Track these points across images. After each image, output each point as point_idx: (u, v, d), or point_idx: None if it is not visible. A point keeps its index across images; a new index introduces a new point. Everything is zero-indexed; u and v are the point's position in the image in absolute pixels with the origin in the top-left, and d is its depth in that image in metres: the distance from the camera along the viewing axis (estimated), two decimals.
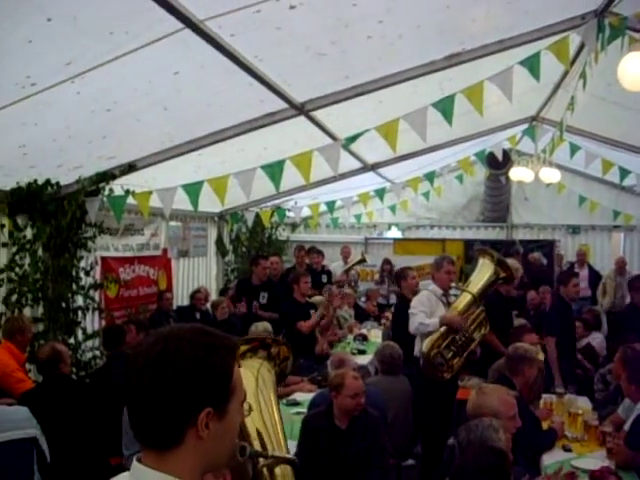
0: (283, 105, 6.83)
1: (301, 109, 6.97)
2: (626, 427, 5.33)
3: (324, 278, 12.46)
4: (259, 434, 2.52)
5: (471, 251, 13.60)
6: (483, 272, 7.56)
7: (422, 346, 7.14)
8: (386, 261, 14.01)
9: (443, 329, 7.09)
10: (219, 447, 1.73)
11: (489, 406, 4.33)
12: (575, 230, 15.53)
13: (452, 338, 7.15)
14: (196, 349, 1.65)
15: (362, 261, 14.08)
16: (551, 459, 5.27)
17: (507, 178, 13.68)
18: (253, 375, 2.66)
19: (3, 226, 7.20)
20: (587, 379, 7.73)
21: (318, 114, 7.38)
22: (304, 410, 6.47)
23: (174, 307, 10.50)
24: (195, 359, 1.64)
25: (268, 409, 2.60)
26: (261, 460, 2.40)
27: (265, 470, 2.42)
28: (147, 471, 1.64)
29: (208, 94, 6.19)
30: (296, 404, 7.04)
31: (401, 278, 9.17)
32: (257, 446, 2.50)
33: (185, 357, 1.63)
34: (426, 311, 7.24)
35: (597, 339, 8.66)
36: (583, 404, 6.68)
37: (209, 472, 1.79)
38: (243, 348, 2.71)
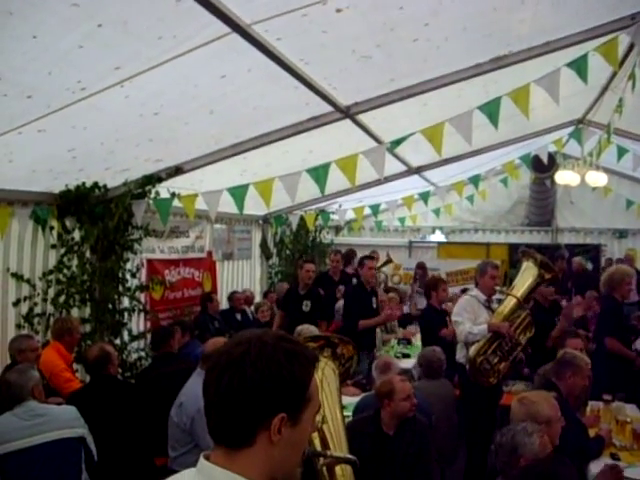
0: (328, 108, 6.85)
1: (346, 112, 6.97)
2: None
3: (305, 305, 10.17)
4: (321, 432, 2.52)
5: (516, 255, 13.44)
6: (527, 275, 7.47)
7: (469, 352, 7.08)
8: (419, 265, 13.91)
9: (489, 335, 7.03)
10: (288, 454, 1.73)
11: (542, 414, 4.29)
12: (622, 234, 15.30)
13: (498, 343, 7.09)
14: (278, 354, 1.68)
15: (388, 262, 13.95)
16: (598, 468, 5.18)
17: (552, 181, 13.50)
18: (317, 375, 2.64)
19: (52, 228, 7.34)
20: (636, 386, 7.58)
21: (363, 117, 7.38)
22: (349, 414, 6.47)
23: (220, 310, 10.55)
24: (276, 363, 1.66)
25: (331, 409, 2.60)
26: (321, 459, 2.40)
27: (325, 469, 2.45)
28: (215, 469, 1.67)
29: (254, 97, 6.22)
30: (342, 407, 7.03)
31: (432, 288, 8.99)
32: (318, 444, 2.50)
33: (266, 360, 1.66)
34: (471, 317, 7.19)
35: None
36: (632, 412, 6.57)
37: (277, 476, 1.77)
38: (311, 345, 2.72)
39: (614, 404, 6.57)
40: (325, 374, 2.68)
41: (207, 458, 1.70)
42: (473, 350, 7.06)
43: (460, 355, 7.36)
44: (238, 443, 1.66)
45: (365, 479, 5.13)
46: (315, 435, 2.52)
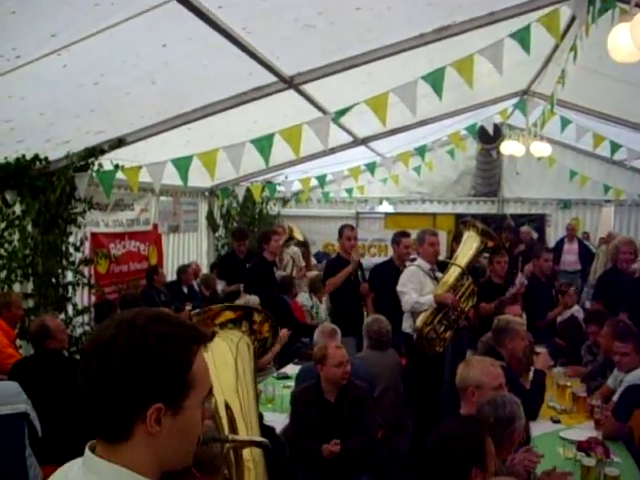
0: (272, 78, 6.80)
1: (290, 82, 6.94)
2: (615, 398, 5.38)
3: None
4: (229, 412, 2.38)
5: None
6: (469, 244, 7.58)
7: (416, 322, 7.15)
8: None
9: (435, 305, 7.11)
10: (176, 444, 1.59)
11: (472, 377, 4.37)
12: (566, 204, 15.56)
13: (444, 313, 7.17)
14: (147, 338, 1.52)
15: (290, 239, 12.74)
16: (540, 430, 5.30)
17: (498, 152, 13.66)
18: (230, 349, 2.53)
19: None
20: (573, 351, 7.78)
21: (307, 87, 7.35)
22: (291, 384, 6.52)
23: (166, 282, 10.48)
24: (145, 349, 1.51)
25: (243, 387, 2.46)
26: (226, 444, 2.29)
27: (231, 453, 2.31)
28: (100, 462, 1.54)
29: (196, 67, 6.14)
30: (286, 377, 7.07)
31: (394, 243, 8.75)
32: (225, 426, 2.37)
33: (134, 346, 1.50)
34: (416, 288, 7.27)
35: (579, 311, 8.75)
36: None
37: (170, 468, 1.63)
38: (227, 316, 2.61)
39: (555, 369, 6.74)
40: (239, 349, 2.54)
41: (92, 449, 1.57)
42: (420, 320, 7.15)
43: (406, 325, 7.45)
44: (115, 437, 1.53)
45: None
46: (223, 415, 2.39)
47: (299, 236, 12.18)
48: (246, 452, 2.33)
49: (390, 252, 9.74)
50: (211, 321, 2.57)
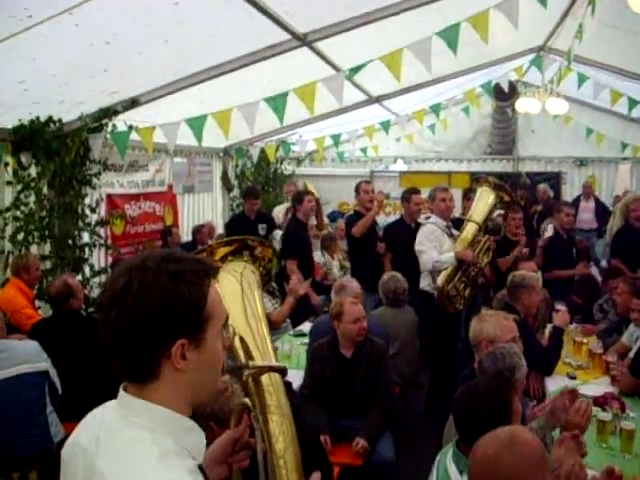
0: (286, 36, 6.74)
1: (304, 40, 6.88)
2: (631, 354, 5.39)
3: (261, 229, 9.74)
4: (243, 341, 2.41)
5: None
6: (484, 199, 7.51)
7: (437, 281, 7.12)
8: None
9: (455, 263, 7.10)
10: (203, 375, 1.66)
11: (486, 331, 4.38)
12: (582, 162, 15.38)
13: (464, 270, 7.16)
14: (161, 278, 1.56)
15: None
16: (556, 386, 5.33)
17: (513, 110, 13.54)
18: (237, 279, 2.54)
19: (7, 164, 7.19)
20: (589, 309, 7.79)
21: (321, 45, 7.29)
22: (305, 340, 6.56)
23: (181, 242, 10.51)
24: (161, 290, 1.55)
25: (254, 313, 2.48)
26: (245, 371, 2.31)
27: (250, 380, 2.34)
28: (134, 400, 1.60)
29: (209, 26, 6.09)
30: (302, 335, 7.10)
31: (404, 200, 8.73)
32: (241, 355, 2.40)
33: (149, 289, 1.55)
34: (435, 246, 7.21)
35: (593, 269, 8.73)
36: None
37: (199, 400, 1.71)
38: (224, 250, 2.61)
39: (571, 326, 6.74)
40: (245, 276, 2.55)
41: (125, 389, 1.64)
42: (441, 278, 7.10)
43: (425, 283, 7.40)
44: (144, 378, 1.60)
45: (327, 401, 5.30)
46: (238, 345, 2.41)
47: (315, 192, 12.15)
48: (265, 378, 2.37)
49: None
50: (211, 258, 2.58)
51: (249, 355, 2.41)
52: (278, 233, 9.62)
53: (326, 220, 11.64)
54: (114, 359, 1.61)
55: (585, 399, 3.55)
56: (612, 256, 8.68)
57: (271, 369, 2.38)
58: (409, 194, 8.55)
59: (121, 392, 1.64)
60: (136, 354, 1.57)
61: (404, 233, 8.10)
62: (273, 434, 2.36)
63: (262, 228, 9.65)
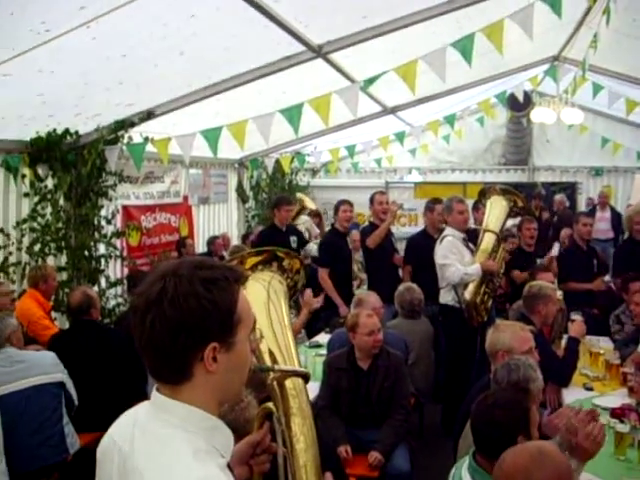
0: (300, 48, 6.76)
1: (319, 52, 6.89)
2: None
3: (292, 242, 9.36)
4: (269, 346, 2.49)
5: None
6: (496, 208, 7.48)
7: (464, 294, 7.07)
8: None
9: (481, 274, 7.08)
10: (231, 377, 1.73)
11: (503, 342, 4.35)
12: (597, 172, 15.34)
13: (487, 281, 7.13)
14: (194, 285, 1.63)
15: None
16: (572, 397, 5.30)
17: (528, 120, 13.53)
18: (264, 287, 2.62)
19: (24, 176, 7.24)
20: (604, 320, 7.72)
21: (336, 56, 7.30)
22: (324, 352, 6.54)
23: (196, 254, 10.53)
24: (194, 296, 1.62)
25: (280, 322, 2.56)
26: (270, 374, 2.40)
27: (275, 384, 2.43)
28: (168, 400, 1.67)
29: (225, 37, 6.12)
30: (318, 346, 7.10)
31: (427, 210, 8.57)
32: (267, 360, 2.49)
33: (184, 295, 1.61)
34: (458, 258, 7.16)
35: (608, 278, 8.62)
36: (604, 344, 6.72)
37: (226, 401, 1.80)
38: (254, 260, 2.69)
39: (587, 337, 6.69)
40: (272, 285, 2.63)
41: (158, 390, 1.71)
42: (470, 291, 7.07)
43: (449, 297, 7.27)
44: (177, 380, 1.66)
45: (343, 413, 5.29)
46: (264, 349, 2.50)
47: (311, 205, 12.05)
48: (288, 382, 2.45)
49: (420, 221, 9.61)
50: (240, 267, 2.64)
51: (273, 359, 2.50)
52: (313, 247, 9.54)
53: None
54: (149, 361, 1.68)
55: (598, 423, 3.48)
56: (614, 271, 8.51)
57: (295, 374, 2.46)
58: (432, 204, 8.40)
59: (154, 393, 1.71)
60: (171, 357, 1.63)
61: (427, 245, 7.89)
62: (294, 434, 2.44)
63: (293, 241, 9.45)
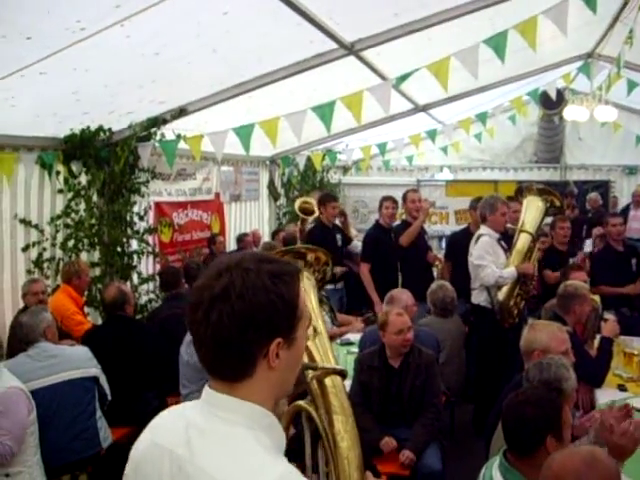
0: (332, 45, 6.76)
1: (351, 49, 6.88)
2: None
3: (339, 240, 9.62)
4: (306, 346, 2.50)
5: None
6: (532, 207, 7.41)
7: (498, 296, 7.02)
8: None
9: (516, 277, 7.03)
10: (289, 374, 1.71)
11: (540, 341, 4.32)
12: (631, 171, 15.16)
13: (522, 283, 7.09)
14: (263, 278, 1.59)
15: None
16: (605, 398, 5.25)
17: (561, 118, 13.41)
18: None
19: (58, 173, 7.33)
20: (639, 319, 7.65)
21: (368, 54, 7.29)
22: (355, 350, 6.54)
23: (227, 251, 10.57)
24: (263, 290, 1.58)
25: (316, 319, 2.53)
26: (310, 372, 2.38)
27: (315, 382, 2.42)
28: (223, 397, 1.63)
29: (257, 35, 6.12)
30: (349, 344, 7.09)
31: (471, 209, 8.51)
32: (305, 358, 2.48)
33: (253, 288, 1.58)
34: (494, 260, 7.07)
35: None
36: (638, 344, 6.64)
37: (280, 397, 1.77)
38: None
39: (621, 337, 6.62)
40: (304, 284, 2.63)
41: (211, 387, 1.67)
42: (504, 293, 7.03)
43: (482, 298, 7.18)
44: (238, 377, 1.62)
45: (374, 411, 5.29)
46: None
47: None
48: (328, 380, 2.44)
49: (452, 220, 9.58)
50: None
51: (310, 357, 2.47)
52: (358, 244, 9.56)
53: (354, 232, 11.42)
54: (209, 357, 1.63)
55: (635, 419, 3.43)
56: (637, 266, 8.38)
57: (335, 371, 2.44)
58: (476, 203, 8.21)
59: (208, 391, 1.67)
60: (236, 352, 1.59)
61: (468, 243, 7.67)
62: (338, 431, 2.43)
63: (339, 239, 9.56)
